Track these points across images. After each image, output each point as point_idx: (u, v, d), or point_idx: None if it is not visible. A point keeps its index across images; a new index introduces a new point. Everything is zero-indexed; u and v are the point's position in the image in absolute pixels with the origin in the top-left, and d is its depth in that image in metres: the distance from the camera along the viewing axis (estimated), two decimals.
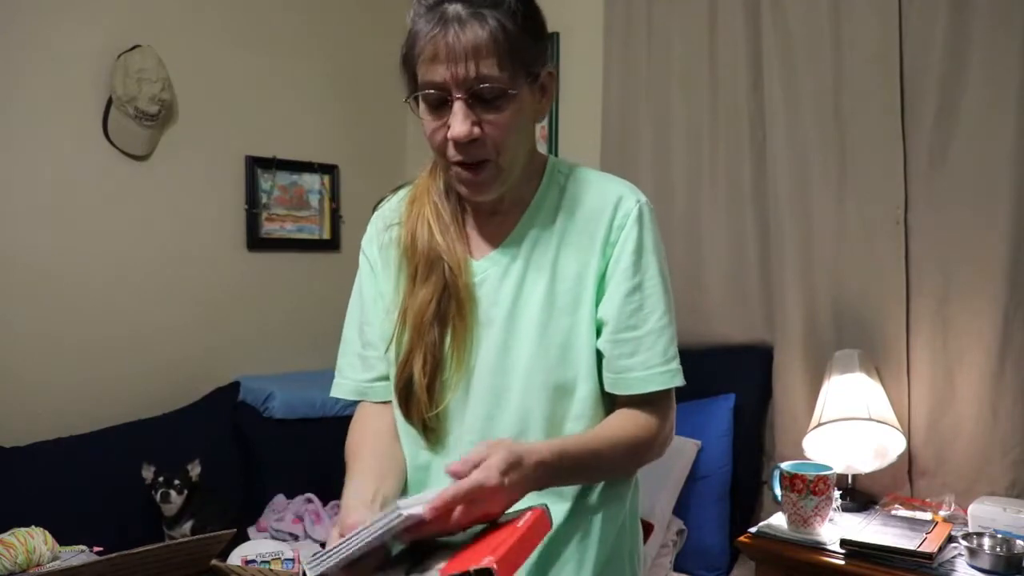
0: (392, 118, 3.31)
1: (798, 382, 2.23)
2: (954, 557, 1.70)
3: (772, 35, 2.27)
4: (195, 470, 2.28)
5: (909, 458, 2.06)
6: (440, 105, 0.96)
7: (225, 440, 2.56)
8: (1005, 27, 1.92)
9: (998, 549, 1.67)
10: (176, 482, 2.23)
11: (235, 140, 2.81)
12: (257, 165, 2.87)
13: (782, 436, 2.25)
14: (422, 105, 0.98)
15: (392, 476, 1.05)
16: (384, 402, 1.11)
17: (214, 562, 1.38)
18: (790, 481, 1.84)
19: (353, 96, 3.16)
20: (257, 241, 2.88)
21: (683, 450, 2.18)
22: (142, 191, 2.58)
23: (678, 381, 1.07)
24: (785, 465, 1.89)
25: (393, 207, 1.13)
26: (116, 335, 2.53)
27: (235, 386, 2.70)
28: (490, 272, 1.05)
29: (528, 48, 0.98)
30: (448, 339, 1.04)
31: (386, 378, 1.10)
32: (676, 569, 2.15)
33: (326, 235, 3.08)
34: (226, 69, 2.77)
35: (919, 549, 1.66)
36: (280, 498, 2.51)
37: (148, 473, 2.25)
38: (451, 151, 0.97)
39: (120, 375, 2.53)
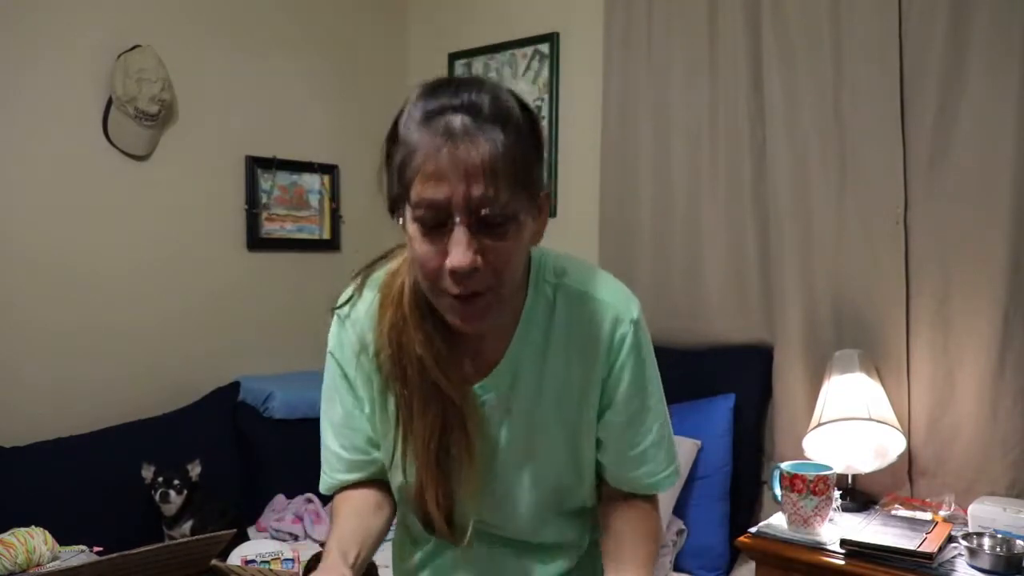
0: (392, 118, 3.31)
1: (798, 382, 2.23)
2: (954, 557, 1.70)
3: (772, 35, 2.27)
4: (195, 470, 2.28)
5: (909, 458, 2.06)
6: (436, 227, 0.84)
7: (225, 440, 2.56)
8: (1005, 27, 1.92)
9: (998, 549, 1.67)
10: (176, 482, 2.23)
11: (235, 140, 2.81)
12: (257, 165, 2.87)
13: (782, 436, 2.25)
14: (413, 225, 0.86)
15: (372, 539, 1.04)
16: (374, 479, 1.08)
17: (214, 562, 1.38)
18: (790, 481, 1.84)
19: (353, 96, 3.16)
20: (257, 241, 2.88)
21: (683, 450, 2.18)
22: (142, 191, 2.58)
23: (675, 480, 1.08)
24: (785, 465, 1.89)
25: (362, 315, 1.02)
26: (116, 335, 2.53)
27: (235, 386, 2.71)
28: (489, 397, 1.00)
29: (534, 168, 0.89)
30: (457, 470, 0.99)
31: (376, 471, 1.07)
32: (676, 569, 2.15)
33: (326, 235, 3.09)
34: (226, 69, 2.77)
35: (919, 549, 1.66)
36: (280, 498, 2.51)
37: (148, 473, 2.24)
38: (446, 281, 0.86)
39: (120, 375, 2.53)
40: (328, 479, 1.09)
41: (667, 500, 2.11)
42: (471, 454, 0.98)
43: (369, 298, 1.02)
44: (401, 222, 0.90)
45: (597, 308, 1.00)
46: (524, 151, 0.86)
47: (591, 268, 1.05)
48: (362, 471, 1.07)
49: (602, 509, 1.10)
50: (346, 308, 1.04)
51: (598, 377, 1.01)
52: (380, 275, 1.02)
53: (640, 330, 1.01)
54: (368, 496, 1.07)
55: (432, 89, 0.87)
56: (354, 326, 1.03)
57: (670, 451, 1.06)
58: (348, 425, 1.06)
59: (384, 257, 1.04)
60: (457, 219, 0.83)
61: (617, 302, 1.01)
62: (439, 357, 0.95)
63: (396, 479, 1.05)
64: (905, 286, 2.08)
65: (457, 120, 0.83)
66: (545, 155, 0.93)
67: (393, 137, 0.91)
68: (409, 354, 0.96)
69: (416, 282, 0.93)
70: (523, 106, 0.89)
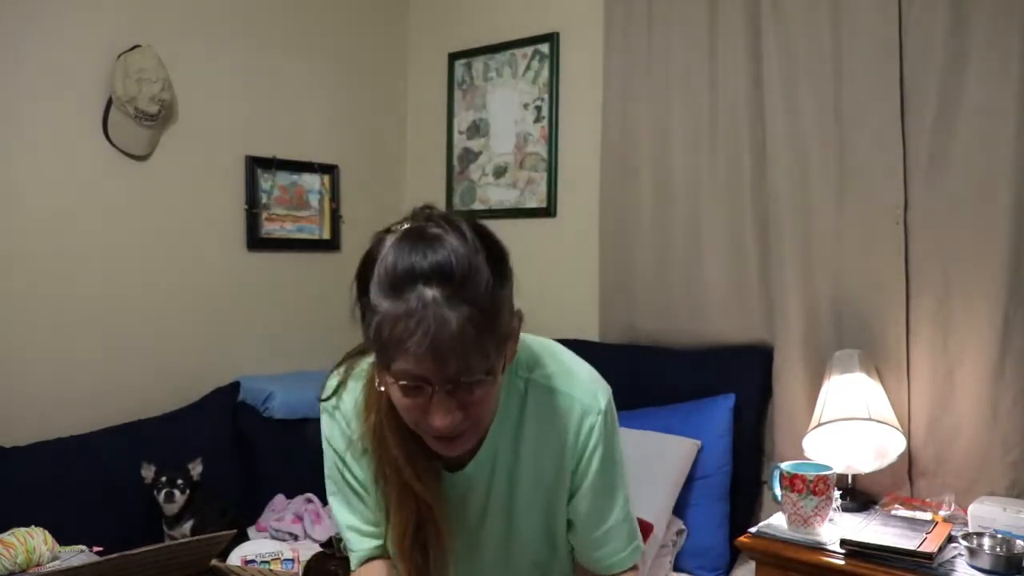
0: (392, 118, 3.31)
1: (798, 382, 2.23)
2: (954, 557, 1.70)
3: (772, 35, 2.27)
4: (196, 469, 2.28)
5: (909, 458, 2.06)
6: (416, 389, 0.88)
7: (225, 440, 2.56)
8: (1005, 27, 1.91)
9: (998, 549, 1.67)
10: (179, 481, 2.23)
11: (235, 140, 2.81)
12: (257, 165, 2.87)
13: (782, 436, 2.25)
14: (393, 385, 0.90)
15: None
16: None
17: (214, 562, 1.39)
18: (790, 481, 1.84)
19: (353, 96, 3.16)
20: (257, 241, 2.88)
21: (683, 449, 2.18)
22: (142, 191, 2.58)
23: (638, 555, 1.15)
24: (785, 465, 1.89)
25: (350, 409, 1.07)
26: (116, 335, 2.53)
27: (235, 386, 2.70)
28: (464, 488, 1.08)
29: (503, 319, 0.90)
30: (430, 557, 1.06)
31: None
32: (676, 569, 2.15)
33: (326, 235, 3.09)
34: (226, 69, 2.77)
35: (919, 549, 1.66)
36: (280, 498, 2.51)
37: (148, 473, 2.24)
38: (428, 427, 0.92)
39: (120, 375, 2.53)
40: (356, 554, 1.14)
41: (667, 500, 2.11)
42: (443, 547, 1.05)
43: (355, 389, 1.06)
44: (378, 382, 0.93)
45: (565, 403, 1.06)
46: (493, 311, 0.87)
47: (561, 358, 1.10)
48: (379, 538, 1.12)
49: None
50: (333, 400, 1.08)
51: (568, 466, 1.07)
52: (364, 367, 1.05)
53: (607, 419, 1.07)
54: (389, 566, 1.13)
55: (399, 249, 0.87)
56: (343, 418, 1.08)
57: (632, 530, 1.14)
58: (355, 502, 1.11)
59: (364, 352, 1.06)
60: (437, 389, 0.87)
61: (585, 395, 1.06)
62: (412, 460, 1.01)
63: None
64: (905, 286, 2.08)
65: (428, 295, 0.84)
66: (512, 284, 0.93)
67: (364, 286, 0.89)
68: (387, 454, 1.02)
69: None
70: (491, 254, 0.89)
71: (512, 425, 1.06)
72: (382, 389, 0.93)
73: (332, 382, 1.08)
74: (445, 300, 0.84)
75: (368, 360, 1.04)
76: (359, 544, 1.13)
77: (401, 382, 0.88)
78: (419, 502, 1.03)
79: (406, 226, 0.89)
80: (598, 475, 1.08)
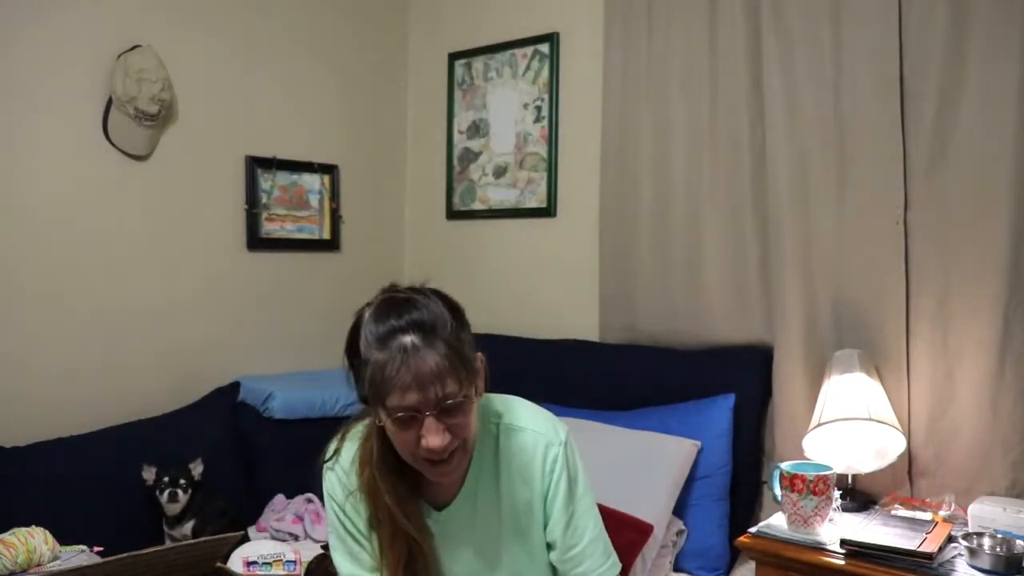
0: (392, 118, 3.31)
1: (798, 382, 2.23)
2: (954, 557, 1.70)
3: (772, 35, 2.27)
4: (197, 469, 2.29)
5: (909, 458, 2.06)
6: (408, 420, 1.11)
7: (225, 440, 2.56)
8: (1005, 27, 1.91)
9: (998, 549, 1.67)
10: (182, 481, 2.23)
11: (235, 140, 2.81)
12: (257, 165, 2.87)
13: (782, 436, 2.25)
14: (390, 423, 1.12)
15: None
16: None
17: (218, 564, 1.39)
18: (790, 481, 1.84)
19: (353, 96, 3.16)
20: (257, 241, 2.88)
21: (683, 450, 2.18)
22: (142, 191, 2.58)
23: (617, 570, 1.33)
24: (785, 465, 1.89)
25: (347, 466, 1.27)
26: (116, 335, 2.53)
27: (235, 386, 2.70)
28: (451, 522, 1.28)
29: (468, 354, 1.14)
30: None
31: None
32: (676, 569, 2.15)
33: (326, 235, 3.09)
34: (226, 69, 2.77)
35: (919, 549, 1.66)
36: (280, 498, 2.51)
37: (149, 474, 2.24)
38: (423, 452, 1.13)
39: (120, 375, 2.53)
40: None
41: (667, 501, 2.11)
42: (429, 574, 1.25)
43: (351, 449, 1.27)
44: (377, 420, 1.15)
45: (531, 438, 1.28)
46: (460, 347, 1.12)
47: (525, 406, 1.33)
48: None
49: None
50: (332, 460, 1.29)
51: (539, 492, 1.27)
52: (359, 428, 1.28)
53: (569, 449, 1.29)
54: None
55: (379, 315, 1.12)
56: (341, 470, 1.28)
57: (607, 546, 1.32)
58: (357, 550, 1.29)
59: (358, 419, 1.29)
60: (426, 413, 1.10)
61: (547, 431, 1.29)
62: (402, 503, 1.22)
63: None
64: (905, 286, 2.08)
65: (408, 340, 1.08)
66: (470, 331, 1.18)
67: (354, 351, 1.13)
68: (379, 500, 1.22)
69: (382, 446, 1.19)
70: (450, 307, 1.15)
71: (489, 463, 1.27)
72: (381, 424, 1.13)
73: (332, 446, 1.29)
74: (422, 343, 1.08)
75: (362, 423, 1.26)
76: None
77: (396, 415, 1.10)
78: (409, 539, 1.22)
79: (380, 298, 1.15)
80: (567, 498, 1.27)
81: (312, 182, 3.04)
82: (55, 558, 1.86)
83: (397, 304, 1.12)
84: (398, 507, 1.21)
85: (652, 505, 2.05)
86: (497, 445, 1.27)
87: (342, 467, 1.28)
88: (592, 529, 1.30)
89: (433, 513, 1.28)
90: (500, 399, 1.32)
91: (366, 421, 1.25)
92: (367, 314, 1.13)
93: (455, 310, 1.16)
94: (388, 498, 1.20)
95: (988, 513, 1.80)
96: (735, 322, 2.41)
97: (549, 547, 1.31)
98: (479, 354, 1.19)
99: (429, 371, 1.07)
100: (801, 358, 2.23)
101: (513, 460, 1.27)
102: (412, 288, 1.17)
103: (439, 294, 1.17)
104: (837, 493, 1.95)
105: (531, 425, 1.29)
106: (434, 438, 1.10)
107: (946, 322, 2.02)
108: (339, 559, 1.31)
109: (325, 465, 1.29)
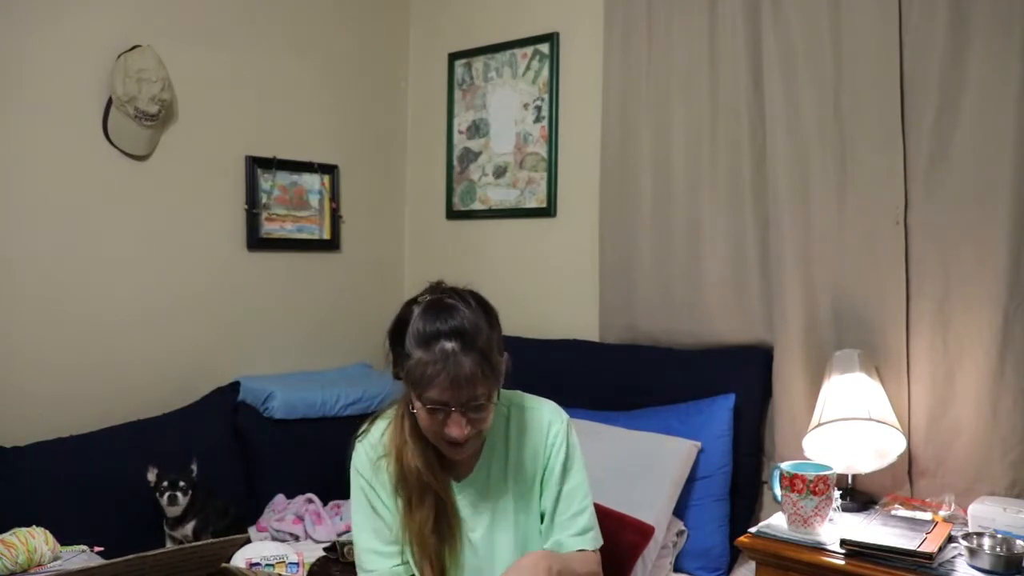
0: (392, 118, 3.31)
1: (798, 382, 2.23)
2: (954, 557, 1.70)
3: (772, 35, 2.27)
4: (196, 469, 2.28)
5: (909, 458, 2.06)
6: (438, 411, 1.26)
7: (225, 440, 2.56)
8: (1005, 27, 1.92)
9: (998, 549, 1.67)
10: (182, 483, 2.23)
11: (235, 140, 2.81)
12: (257, 165, 2.87)
13: (782, 436, 2.25)
14: (422, 410, 1.28)
15: None
16: None
17: (223, 564, 1.39)
18: (790, 481, 1.84)
19: (353, 96, 3.16)
20: (257, 241, 2.88)
21: (683, 450, 2.18)
22: (142, 191, 2.58)
23: (600, 542, 1.45)
24: (785, 465, 1.89)
25: (376, 440, 1.41)
26: (116, 335, 2.53)
27: (235, 386, 2.71)
28: (469, 491, 1.42)
29: (497, 359, 1.29)
30: (446, 547, 1.38)
31: (402, 563, 1.41)
32: (676, 569, 2.15)
33: (326, 235, 3.09)
34: (226, 69, 2.77)
35: (919, 549, 1.66)
36: (280, 498, 2.51)
37: (152, 476, 2.25)
38: (445, 436, 1.29)
39: (120, 375, 2.53)
40: (373, 575, 1.40)
41: (667, 501, 2.11)
42: (455, 532, 1.38)
43: (381, 425, 1.42)
44: (410, 402, 1.31)
45: (537, 415, 1.45)
46: (491, 353, 1.27)
47: (530, 394, 1.49)
48: (396, 558, 1.40)
49: None
50: (363, 435, 1.43)
51: (541, 462, 1.43)
52: (389, 410, 1.43)
53: (569, 428, 1.45)
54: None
55: (427, 317, 1.26)
56: (369, 443, 1.42)
57: (589, 522, 1.43)
58: (380, 526, 1.40)
59: (390, 405, 1.44)
60: (454, 409, 1.25)
61: (550, 411, 1.45)
62: (430, 465, 1.35)
63: (405, 557, 1.40)
64: (905, 286, 2.08)
65: (449, 346, 1.23)
66: (500, 333, 1.33)
67: (398, 340, 1.29)
68: (408, 464, 1.35)
69: (413, 420, 1.34)
70: (486, 312, 1.30)
71: (501, 438, 1.43)
72: (413, 411, 1.29)
73: (366, 424, 1.44)
74: (461, 350, 1.23)
75: (391, 407, 1.42)
76: (377, 564, 1.39)
77: (428, 406, 1.26)
78: (436, 498, 1.35)
79: (428, 298, 1.29)
80: (564, 468, 1.42)
81: (312, 182, 3.04)
82: (55, 558, 1.86)
83: (444, 309, 1.26)
84: (426, 469, 1.34)
85: (652, 506, 2.05)
86: (508, 422, 1.43)
87: (371, 441, 1.41)
88: (582, 499, 1.43)
89: (453, 484, 1.42)
90: (509, 390, 1.46)
91: (394, 408, 1.41)
92: (416, 312, 1.27)
93: (492, 316, 1.31)
94: (418, 461, 1.34)
95: (988, 513, 1.80)
96: (735, 322, 2.41)
97: (542, 517, 1.44)
98: (505, 355, 1.32)
99: (463, 376, 1.22)
100: (801, 358, 2.23)
101: (521, 434, 1.43)
102: (455, 291, 1.31)
103: (478, 298, 1.31)
104: (837, 493, 1.95)
105: (537, 406, 1.45)
106: (457, 429, 1.26)
107: (946, 322, 2.02)
108: (363, 537, 1.41)
109: (356, 440, 1.43)
